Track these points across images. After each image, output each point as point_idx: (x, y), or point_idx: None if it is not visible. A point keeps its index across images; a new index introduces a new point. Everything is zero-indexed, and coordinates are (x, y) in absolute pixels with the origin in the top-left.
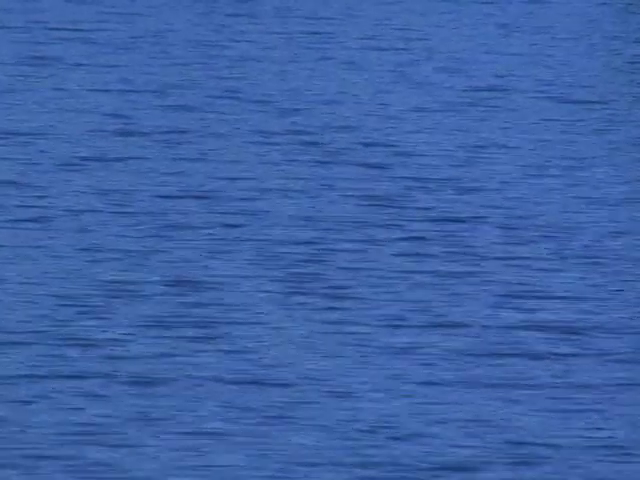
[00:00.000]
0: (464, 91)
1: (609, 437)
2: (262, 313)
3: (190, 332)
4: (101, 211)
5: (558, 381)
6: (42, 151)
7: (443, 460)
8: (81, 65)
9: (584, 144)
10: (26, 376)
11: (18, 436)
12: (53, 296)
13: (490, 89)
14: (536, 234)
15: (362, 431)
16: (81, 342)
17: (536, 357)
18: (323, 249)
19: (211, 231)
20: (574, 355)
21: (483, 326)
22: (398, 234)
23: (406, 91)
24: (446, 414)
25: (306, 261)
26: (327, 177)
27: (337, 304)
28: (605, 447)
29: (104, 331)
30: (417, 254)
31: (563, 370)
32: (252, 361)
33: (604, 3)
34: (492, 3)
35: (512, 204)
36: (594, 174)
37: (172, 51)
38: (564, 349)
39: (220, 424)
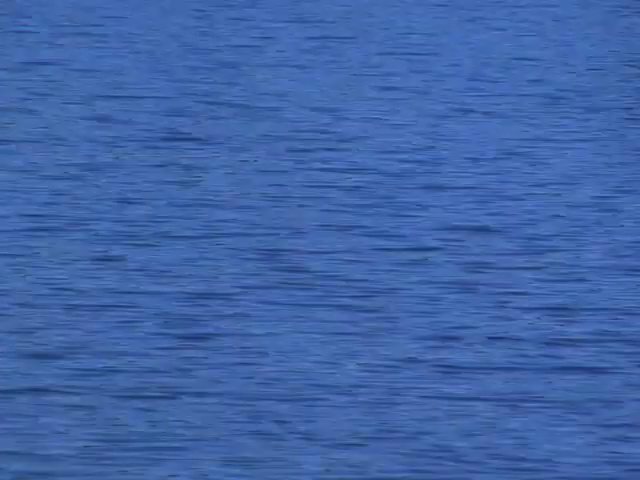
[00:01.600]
0: (476, 97)
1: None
2: (266, 323)
3: (191, 343)
4: (100, 219)
5: (582, 396)
6: (40, 158)
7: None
8: (79, 70)
9: (601, 151)
10: (21, 390)
11: None
12: (50, 306)
13: (502, 94)
14: (555, 245)
15: (381, 442)
16: (76, 353)
17: (556, 371)
18: (330, 259)
19: (211, 240)
20: (599, 370)
21: (491, 338)
22: (411, 244)
23: (416, 97)
24: (465, 428)
25: (313, 271)
26: (335, 185)
27: (346, 316)
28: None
29: (100, 343)
30: (432, 264)
31: (588, 384)
32: (260, 373)
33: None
34: (501, 6)
35: (529, 212)
36: (612, 182)
37: (170, 57)
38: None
39: (227, 439)
